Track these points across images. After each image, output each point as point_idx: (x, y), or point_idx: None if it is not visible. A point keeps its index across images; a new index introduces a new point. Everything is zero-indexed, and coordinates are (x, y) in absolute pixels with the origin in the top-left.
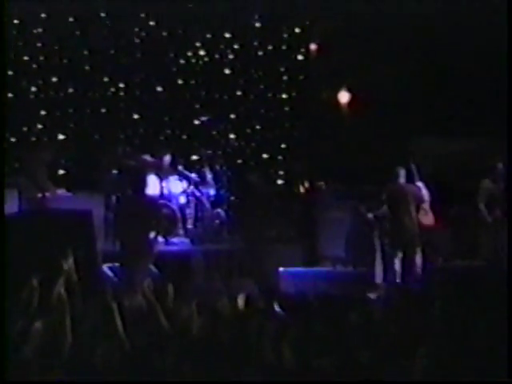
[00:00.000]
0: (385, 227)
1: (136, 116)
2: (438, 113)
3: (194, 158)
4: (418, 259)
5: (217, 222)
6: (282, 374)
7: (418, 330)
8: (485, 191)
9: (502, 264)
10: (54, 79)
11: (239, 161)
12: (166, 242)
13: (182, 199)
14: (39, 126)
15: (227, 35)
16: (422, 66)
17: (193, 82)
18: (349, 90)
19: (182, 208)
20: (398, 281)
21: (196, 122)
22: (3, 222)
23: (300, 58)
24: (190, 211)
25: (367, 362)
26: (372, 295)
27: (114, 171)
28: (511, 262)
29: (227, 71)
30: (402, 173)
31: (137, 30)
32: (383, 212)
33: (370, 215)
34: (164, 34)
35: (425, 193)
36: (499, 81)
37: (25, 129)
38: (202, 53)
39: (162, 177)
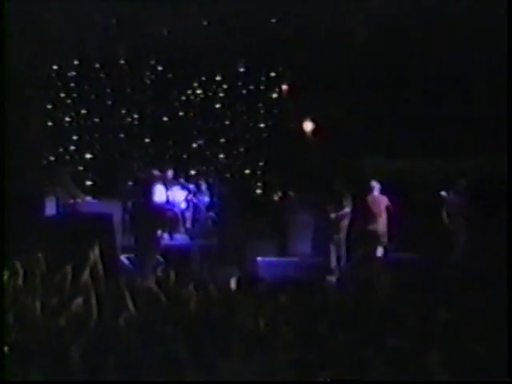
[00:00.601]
0: (343, 226)
1: (147, 140)
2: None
3: (193, 172)
4: (381, 251)
5: (210, 222)
6: (258, 337)
7: (366, 305)
8: (448, 201)
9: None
10: (84, 111)
11: (227, 175)
12: (171, 238)
13: (183, 205)
14: (72, 148)
15: (218, 78)
16: (372, 100)
17: (191, 113)
18: (312, 121)
19: (182, 212)
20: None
21: (194, 145)
22: (3, 221)
23: (274, 95)
24: (189, 214)
25: (325, 331)
26: (330, 278)
27: (130, 183)
28: (511, 262)
29: (218, 105)
30: (377, 186)
31: (148, 73)
32: (343, 213)
33: (333, 215)
34: (169, 76)
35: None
36: (463, 104)
37: (61, 150)
38: (198, 91)
39: (167, 187)
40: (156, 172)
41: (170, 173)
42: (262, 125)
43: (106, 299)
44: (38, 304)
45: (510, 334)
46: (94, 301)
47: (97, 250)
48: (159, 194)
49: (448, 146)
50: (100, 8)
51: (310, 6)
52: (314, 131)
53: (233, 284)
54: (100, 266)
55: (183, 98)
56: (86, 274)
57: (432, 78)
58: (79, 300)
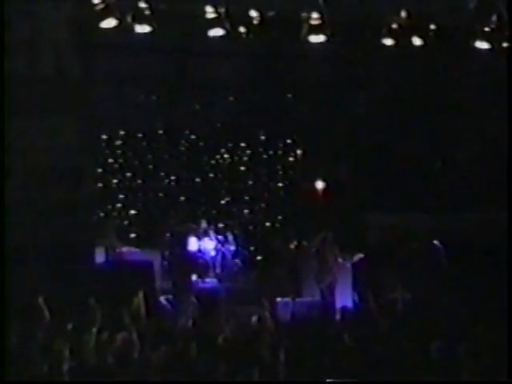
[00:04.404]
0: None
1: (182, 198)
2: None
3: (221, 225)
4: None
5: (236, 268)
6: (277, 368)
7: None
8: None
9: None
10: (128, 174)
11: (250, 227)
12: (202, 281)
13: (213, 253)
14: (118, 205)
15: (242, 145)
16: (372, 162)
17: (219, 175)
18: (323, 180)
19: (212, 259)
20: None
21: (222, 202)
22: (3, 223)
23: (290, 159)
24: (218, 261)
25: (333, 356)
26: None
27: (168, 235)
28: (511, 263)
29: (242, 168)
30: None
31: (183, 142)
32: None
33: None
34: (201, 144)
35: None
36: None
37: (109, 207)
38: (225, 156)
39: (199, 238)
40: (190, 225)
41: (201, 226)
42: (280, 184)
43: (146, 335)
44: (93, 337)
45: (510, 334)
46: (141, 333)
47: (141, 293)
48: (192, 244)
49: (441, 203)
50: (142, 87)
51: (319, 86)
52: (324, 191)
53: (254, 321)
54: (143, 307)
55: (213, 162)
56: (130, 312)
57: (422, 142)
58: (122, 335)
